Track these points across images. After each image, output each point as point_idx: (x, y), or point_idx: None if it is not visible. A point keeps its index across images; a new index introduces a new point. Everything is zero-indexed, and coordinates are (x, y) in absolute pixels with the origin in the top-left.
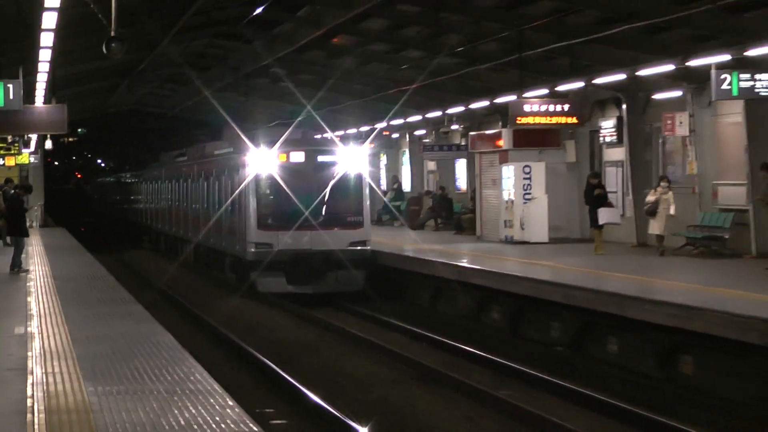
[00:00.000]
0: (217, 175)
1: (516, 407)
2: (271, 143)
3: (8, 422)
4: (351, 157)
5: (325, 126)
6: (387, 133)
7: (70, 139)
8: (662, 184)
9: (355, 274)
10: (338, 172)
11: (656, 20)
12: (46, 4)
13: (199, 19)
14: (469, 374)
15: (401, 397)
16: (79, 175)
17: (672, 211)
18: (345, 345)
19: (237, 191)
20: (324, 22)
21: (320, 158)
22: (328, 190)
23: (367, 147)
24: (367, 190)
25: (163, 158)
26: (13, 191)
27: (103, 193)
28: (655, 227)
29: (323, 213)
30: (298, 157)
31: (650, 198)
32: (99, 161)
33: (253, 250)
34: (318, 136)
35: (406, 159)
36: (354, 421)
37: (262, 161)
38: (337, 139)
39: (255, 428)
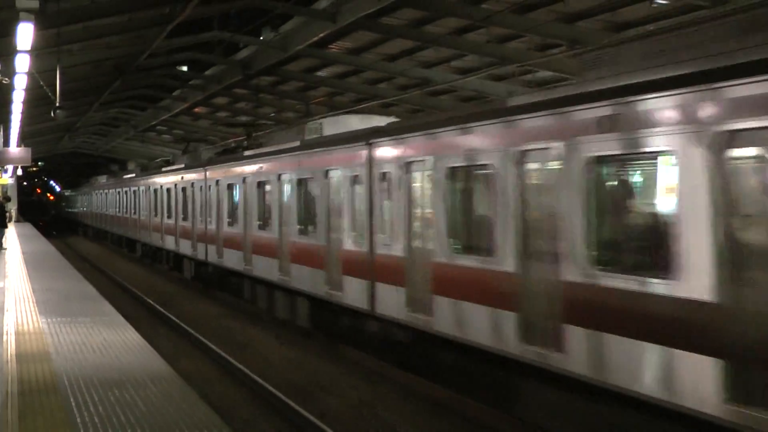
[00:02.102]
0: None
1: None
2: None
3: None
4: None
5: None
6: None
7: (34, 169)
8: None
9: None
10: None
11: (387, 100)
12: (16, 87)
13: (113, 96)
14: None
15: None
16: (38, 190)
17: None
18: None
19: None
20: (189, 99)
21: None
22: None
23: None
24: None
25: (194, 156)
26: None
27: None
28: None
29: None
30: None
31: None
32: (51, 182)
33: None
34: None
35: None
36: None
37: None
38: None
39: (146, 344)
